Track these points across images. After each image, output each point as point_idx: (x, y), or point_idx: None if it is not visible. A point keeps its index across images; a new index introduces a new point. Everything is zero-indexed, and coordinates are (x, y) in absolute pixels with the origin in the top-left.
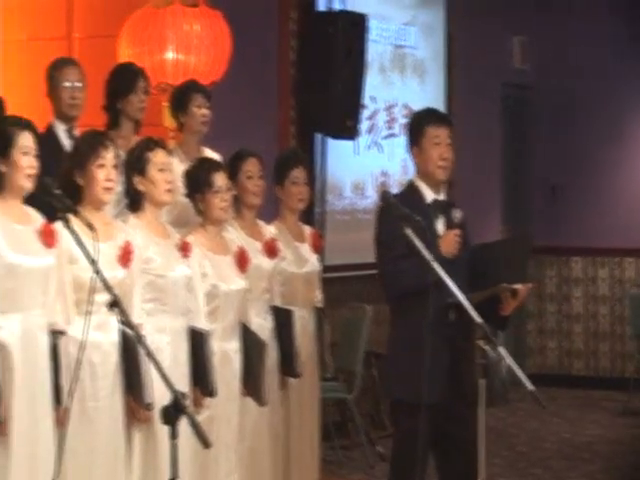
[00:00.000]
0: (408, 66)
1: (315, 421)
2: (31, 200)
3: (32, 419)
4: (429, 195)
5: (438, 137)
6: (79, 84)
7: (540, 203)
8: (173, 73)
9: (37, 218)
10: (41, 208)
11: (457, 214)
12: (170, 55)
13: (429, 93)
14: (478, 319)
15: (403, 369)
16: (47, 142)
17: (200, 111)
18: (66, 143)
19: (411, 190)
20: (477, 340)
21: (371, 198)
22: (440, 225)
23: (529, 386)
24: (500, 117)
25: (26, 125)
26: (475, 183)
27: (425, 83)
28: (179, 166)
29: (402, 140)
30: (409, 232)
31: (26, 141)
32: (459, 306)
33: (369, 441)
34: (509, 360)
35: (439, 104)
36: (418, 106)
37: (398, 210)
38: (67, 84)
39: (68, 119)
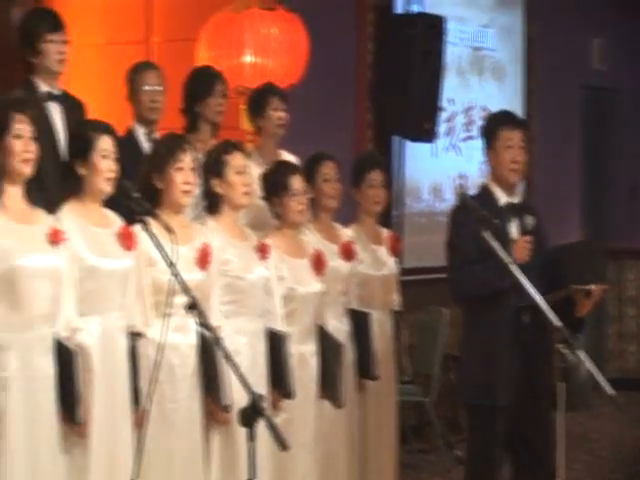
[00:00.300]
0: (486, 68)
1: (392, 424)
2: (110, 203)
3: (111, 421)
4: (502, 198)
5: (511, 140)
6: (159, 88)
7: (620, 205)
8: (251, 76)
9: (116, 221)
10: (120, 211)
11: (530, 220)
12: (248, 58)
13: (507, 95)
14: (557, 322)
15: (476, 371)
16: (127, 145)
17: (277, 114)
18: (146, 146)
19: (485, 193)
20: (557, 344)
21: (449, 201)
22: (513, 228)
23: (609, 390)
24: (579, 119)
25: (106, 129)
26: (554, 185)
27: (503, 85)
28: (256, 169)
29: (480, 143)
30: (487, 235)
31: (105, 145)
32: (533, 309)
33: (447, 444)
34: (589, 364)
35: (517, 106)
36: (496, 108)
37: (477, 212)
38: (147, 88)
39: (148, 122)
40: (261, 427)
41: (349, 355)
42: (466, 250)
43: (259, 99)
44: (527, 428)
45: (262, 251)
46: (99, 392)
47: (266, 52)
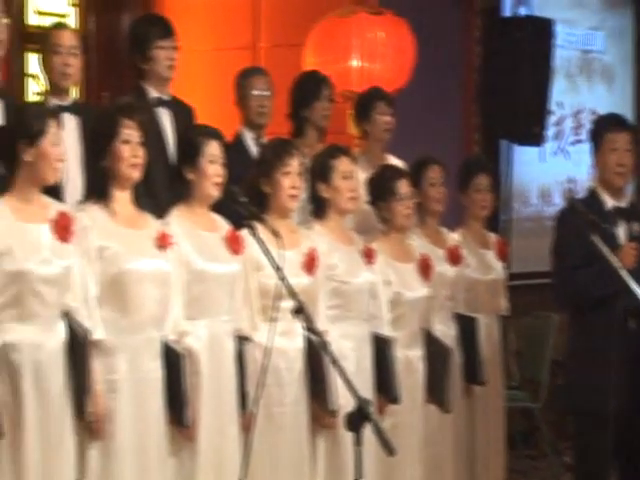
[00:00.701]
0: (595, 71)
1: (500, 430)
2: (218, 208)
3: (219, 424)
4: (609, 202)
5: (617, 142)
6: (267, 93)
7: None
8: (357, 81)
9: (224, 225)
10: (228, 216)
11: (636, 227)
12: (355, 63)
13: (617, 98)
14: None
15: (582, 377)
16: (236, 150)
17: (383, 118)
18: (254, 151)
19: (592, 196)
20: None
21: (558, 205)
22: (621, 233)
23: None
24: None
25: (214, 134)
26: None
27: (613, 88)
28: (362, 174)
29: (589, 146)
30: (596, 239)
31: (213, 150)
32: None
33: (555, 451)
34: None
35: (627, 109)
36: (605, 112)
37: (586, 216)
38: (256, 93)
39: (256, 127)
40: (368, 432)
41: (456, 360)
42: (572, 254)
43: (365, 103)
44: (636, 436)
45: (368, 256)
46: (207, 395)
47: (373, 56)
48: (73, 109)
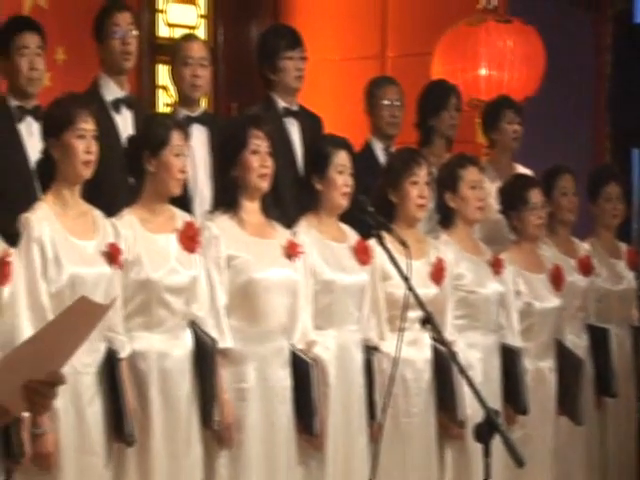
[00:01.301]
0: None
1: (632, 442)
2: (346, 217)
3: (347, 433)
4: None
5: None
6: (398, 103)
7: None
8: (486, 89)
9: (352, 235)
10: (356, 225)
11: None
12: (483, 71)
13: None
14: None
15: None
16: (365, 160)
17: (512, 127)
18: (383, 161)
19: None
20: None
21: None
22: None
23: None
24: None
25: (342, 144)
26: None
27: None
28: (489, 183)
29: None
30: None
31: (342, 160)
32: None
33: None
34: None
35: None
36: None
37: None
38: (386, 102)
39: (386, 137)
40: (496, 443)
41: (588, 371)
42: None
43: (493, 112)
44: None
45: (496, 266)
46: (335, 405)
47: (501, 65)
48: (202, 120)
